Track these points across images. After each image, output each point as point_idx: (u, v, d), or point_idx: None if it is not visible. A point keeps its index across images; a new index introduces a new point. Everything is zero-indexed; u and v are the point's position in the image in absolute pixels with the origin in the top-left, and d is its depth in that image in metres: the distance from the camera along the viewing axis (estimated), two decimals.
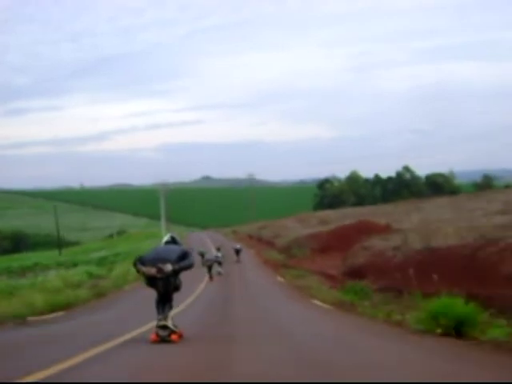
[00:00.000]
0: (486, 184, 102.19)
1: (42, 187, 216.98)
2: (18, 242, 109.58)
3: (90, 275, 28.21)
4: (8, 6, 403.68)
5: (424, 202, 61.47)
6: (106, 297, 21.18)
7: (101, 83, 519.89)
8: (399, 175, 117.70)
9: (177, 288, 8.77)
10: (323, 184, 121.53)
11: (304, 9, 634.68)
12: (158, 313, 8.60)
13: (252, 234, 72.08)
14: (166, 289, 8.55)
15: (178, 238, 9.45)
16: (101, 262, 49.15)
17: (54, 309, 15.71)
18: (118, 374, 6.26)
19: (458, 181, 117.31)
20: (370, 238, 29.65)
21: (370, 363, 6.91)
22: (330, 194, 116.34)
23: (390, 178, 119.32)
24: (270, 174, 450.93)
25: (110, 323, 12.81)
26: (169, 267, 8.35)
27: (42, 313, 14.75)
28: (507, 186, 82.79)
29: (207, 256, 32.85)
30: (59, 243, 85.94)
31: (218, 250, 36.75)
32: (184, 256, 8.70)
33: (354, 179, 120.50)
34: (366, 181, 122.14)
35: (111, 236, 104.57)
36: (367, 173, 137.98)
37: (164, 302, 8.64)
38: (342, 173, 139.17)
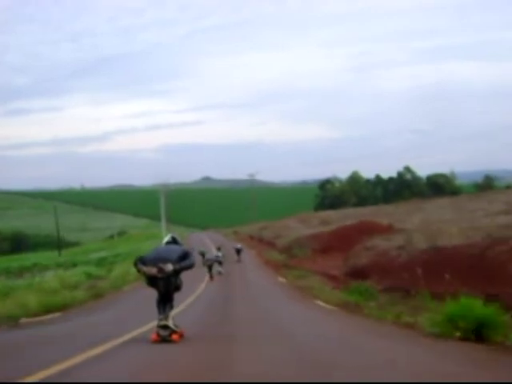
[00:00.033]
0: (487, 184, 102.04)
1: (43, 188, 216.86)
2: (18, 243, 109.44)
3: (89, 276, 27.90)
4: (8, 6, 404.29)
5: (425, 203, 61.24)
6: (103, 298, 20.75)
7: (101, 83, 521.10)
8: (400, 176, 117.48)
9: (178, 288, 8.77)
10: (324, 184, 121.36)
11: (304, 9, 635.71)
12: (159, 312, 8.58)
13: (253, 235, 71.88)
14: (166, 289, 8.55)
15: (178, 239, 9.44)
16: (100, 262, 49.04)
17: (49, 310, 15.35)
18: (118, 374, 6.20)
19: (458, 181, 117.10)
20: (372, 238, 29.42)
21: (376, 364, 6.66)
22: (331, 195, 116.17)
23: (391, 179, 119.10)
24: (271, 174, 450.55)
25: (108, 324, 12.49)
26: (170, 267, 8.35)
27: (36, 314, 14.38)
28: (508, 187, 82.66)
29: (208, 256, 32.78)
30: (59, 244, 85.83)
31: (219, 249, 36.65)
32: (185, 256, 8.71)
33: (355, 180, 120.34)
34: (367, 181, 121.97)
35: (112, 237, 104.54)
36: (368, 173, 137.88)
37: (165, 302, 8.63)
38: (342, 173, 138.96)
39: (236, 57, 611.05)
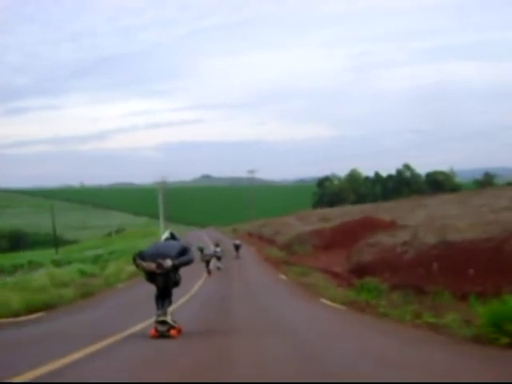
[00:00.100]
0: (487, 182, 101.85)
1: (42, 186, 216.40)
2: (16, 241, 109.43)
3: (82, 273, 27.14)
4: (8, 6, 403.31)
5: (427, 199, 60.65)
6: (94, 296, 19.77)
7: (101, 83, 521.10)
8: (399, 173, 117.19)
9: (176, 283, 8.81)
10: (323, 182, 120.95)
11: (304, 9, 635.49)
12: (158, 308, 8.59)
13: (252, 232, 71.45)
14: (165, 284, 8.57)
15: (177, 235, 9.46)
16: (96, 260, 48.70)
17: (32, 309, 14.22)
18: (118, 371, 6.12)
19: (458, 179, 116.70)
20: (376, 234, 28.77)
21: None
22: (329, 192, 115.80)
23: (390, 176, 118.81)
24: (270, 172, 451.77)
25: (86, 326, 11.48)
26: (168, 262, 8.37)
27: (17, 314, 13.22)
28: (510, 183, 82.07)
29: (206, 251, 32.52)
30: (56, 241, 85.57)
31: (217, 245, 36.38)
32: (184, 251, 8.74)
33: (354, 177, 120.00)
34: (366, 179, 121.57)
35: (109, 234, 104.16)
36: (367, 172, 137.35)
37: (163, 298, 8.63)
38: (341, 172, 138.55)
39: (236, 57, 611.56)
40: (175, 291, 9.01)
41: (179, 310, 12.96)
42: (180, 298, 15.46)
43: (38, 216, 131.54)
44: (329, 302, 16.16)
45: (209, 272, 29.83)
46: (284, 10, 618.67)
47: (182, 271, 8.91)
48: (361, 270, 22.53)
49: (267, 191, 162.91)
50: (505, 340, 7.26)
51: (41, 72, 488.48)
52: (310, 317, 13.28)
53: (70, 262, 42.12)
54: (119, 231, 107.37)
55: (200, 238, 59.96)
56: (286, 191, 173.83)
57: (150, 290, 9.11)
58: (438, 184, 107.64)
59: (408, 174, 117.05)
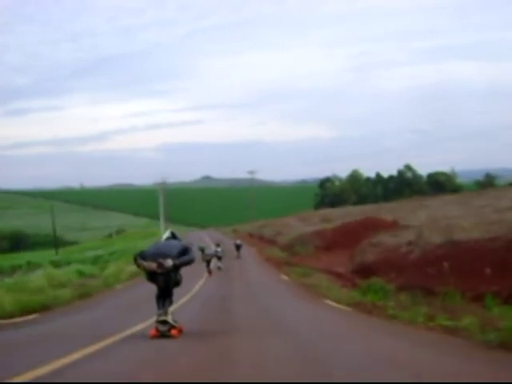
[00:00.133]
0: (488, 182, 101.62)
1: (42, 187, 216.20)
2: (17, 242, 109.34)
3: (81, 274, 26.89)
4: (8, 6, 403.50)
5: (428, 200, 60.47)
6: (91, 297, 19.37)
7: (101, 83, 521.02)
8: (401, 174, 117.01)
9: (177, 283, 8.77)
10: (324, 183, 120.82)
11: (304, 9, 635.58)
12: (158, 308, 8.56)
13: (253, 233, 71.22)
14: (166, 284, 8.54)
15: (178, 234, 9.45)
16: (96, 260, 48.61)
17: (27, 310, 13.77)
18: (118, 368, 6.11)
19: (459, 179, 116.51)
20: (379, 235, 28.46)
21: None
22: (331, 193, 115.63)
23: (391, 177, 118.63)
24: (270, 173, 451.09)
25: (82, 328, 11.20)
26: (169, 262, 8.34)
27: (11, 315, 12.78)
28: (511, 184, 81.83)
29: (207, 251, 32.47)
30: (56, 242, 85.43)
31: (218, 245, 36.42)
32: (185, 251, 8.71)
33: (355, 178, 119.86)
34: (368, 179, 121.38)
35: (110, 235, 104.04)
36: (368, 172, 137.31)
37: (164, 297, 8.60)
38: (342, 172, 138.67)
39: (236, 57, 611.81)
40: (176, 291, 8.96)
41: (180, 310, 12.75)
42: (181, 298, 15.25)
43: (38, 217, 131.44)
44: (333, 303, 15.68)
45: (209, 272, 29.79)
46: (284, 10, 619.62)
47: (183, 271, 8.85)
48: (365, 271, 22.17)
49: (267, 192, 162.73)
50: None
51: (41, 72, 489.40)
52: (313, 318, 12.90)
53: (69, 263, 41.88)
54: (119, 232, 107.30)
55: (201, 239, 59.84)
56: (286, 192, 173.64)
57: (149, 290, 9.02)
58: (439, 185, 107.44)
59: (409, 174, 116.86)
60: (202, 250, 33.11)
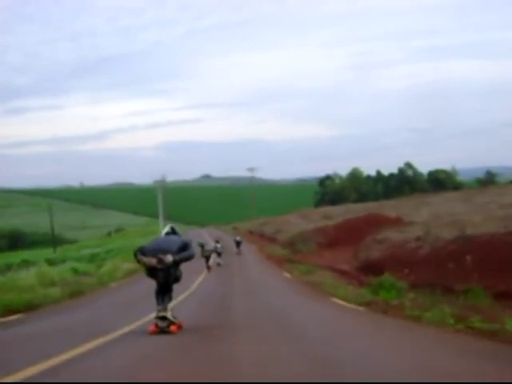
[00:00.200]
0: (489, 180, 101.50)
1: (42, 186, 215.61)
2: (15, 241, 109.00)
3: (75, 272, 26.25)
4: (8, 6, 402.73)
5: (430, 197, 60.18)
6: (83, 295, 18.63)
7: (101, 83, 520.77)
8: (401, 172, 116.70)
9: (177, 279, 8.76)
10: (324, 181, 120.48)
11: (304, 9, 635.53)
12: (158, 304, 8.53)
13: (253, 230, 70.80)
14: (166, 280, 8.51)
15: (177, 229, 9.39)
16: (92, 258, 48.17)
17: (12, 310, 12.93)
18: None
19: (460, 177, 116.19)
20: (383, 231, 27.98)
21: None
22: (331, 191, 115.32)
23: (392, 175, 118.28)
24: (270, 172, 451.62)
25: (84, 324, 10.86)
26: (169, 258, 8.31)
27: None
28: None
29: (207, 247, 32.18)
30: (54, 241, 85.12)
31: (217, 242, 36.11)
32: (184, 247, 8.67)
33: (355, 176, 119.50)
34: (368, 177, 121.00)
35: (109, 234, 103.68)
36: (369, 170, 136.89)
37: (164, 293, 8.57)
38: (342, 171, 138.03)
39: (236, 56, 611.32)
40: (174, 287, 8.86)
41: (178, 307, 12.21)
42: (179, 295, 14.62)
43: (36, 216, 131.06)
44: (342, 302, 14.64)
45: (208, 268, 29.56)
46: (284, 10, 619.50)
47: (182, 267, 8.77)
48: (370, 267, 21.52)
49: (267, 190, 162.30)
50: None
51: (41, 72, 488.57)
52: (326, 322, 11.34)
53: (64, 261, 41.29)
54: (119, 231, 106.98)
55: (201, 237, 59.33)
56: (286, 190, 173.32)
57: (144, 288, 8.64)
58: (440, 182, 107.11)
59: (410, 172, 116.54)
60: (202, 245, 32.75)
